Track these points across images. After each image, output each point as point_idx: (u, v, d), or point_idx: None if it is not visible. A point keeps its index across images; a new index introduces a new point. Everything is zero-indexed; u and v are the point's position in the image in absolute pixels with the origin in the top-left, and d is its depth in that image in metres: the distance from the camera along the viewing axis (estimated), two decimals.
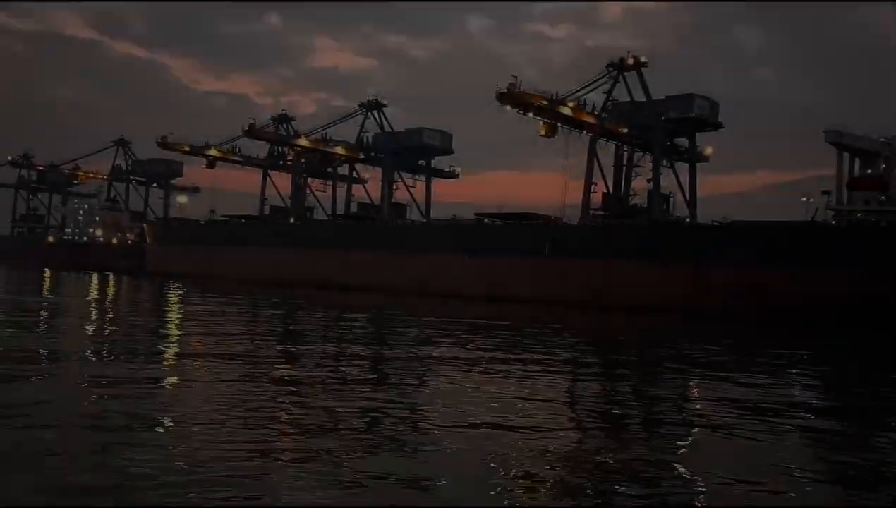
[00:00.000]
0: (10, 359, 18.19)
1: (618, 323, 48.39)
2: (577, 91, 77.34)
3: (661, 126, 78.06)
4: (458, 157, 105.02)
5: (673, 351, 31.63)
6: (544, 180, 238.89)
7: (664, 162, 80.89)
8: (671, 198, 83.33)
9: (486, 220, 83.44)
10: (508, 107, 73.89)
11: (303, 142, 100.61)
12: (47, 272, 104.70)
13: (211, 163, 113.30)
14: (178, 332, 28.93)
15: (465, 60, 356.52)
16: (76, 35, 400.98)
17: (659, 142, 78.60)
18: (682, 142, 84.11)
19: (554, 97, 74.54)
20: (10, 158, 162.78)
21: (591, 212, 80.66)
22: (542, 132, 76.68)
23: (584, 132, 79.48)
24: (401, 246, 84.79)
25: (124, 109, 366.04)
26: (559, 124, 77.21)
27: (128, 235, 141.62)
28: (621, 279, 66.36)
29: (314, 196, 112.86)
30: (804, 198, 75.41)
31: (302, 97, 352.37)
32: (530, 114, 75.51)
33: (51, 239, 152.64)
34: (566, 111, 75.04)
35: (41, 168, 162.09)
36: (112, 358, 19.60)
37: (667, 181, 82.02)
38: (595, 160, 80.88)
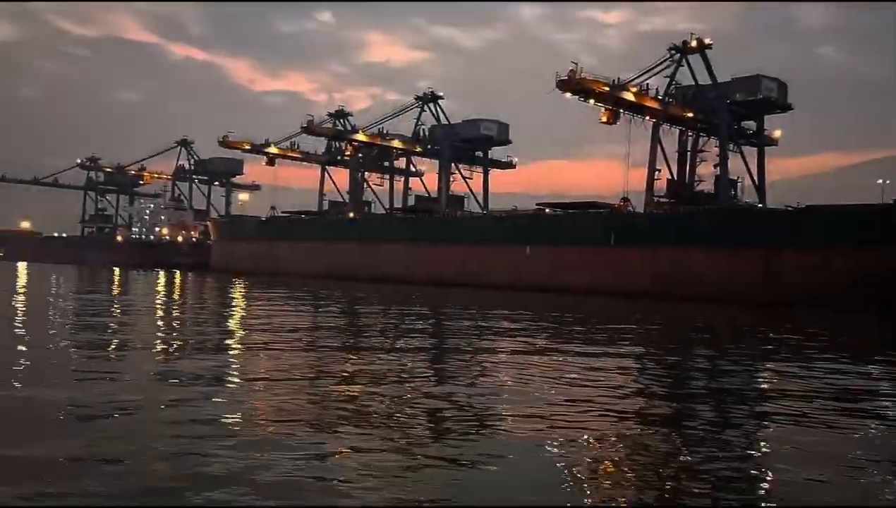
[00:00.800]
0: (82, 356, 17.89)
1: (690, 313, 46.26)
2: (639, 76, 75.08)
3: (727, 109, 75.32)
4: (515, 147, 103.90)
5: (753, 340, 29.79)
6: (602, 169, 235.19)
7: (731, 146, 78.10)
8: (739, 184, 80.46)
9: (547, 210, 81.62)
10: (568, 95, 72.08)
11: (360, 136, 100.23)
12: (116, 270, 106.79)
13: (271, 161, 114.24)
14: (244, 327, 28.43)
15: (519, 49, 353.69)
16: (137, 39, 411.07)
17: (725, 125, 75.88)
18: (750, 125, 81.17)
19: (615, 82, 72.39)
20: (78, 161, 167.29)
21: (655, 199, 78.31)
22: (604, 119, 74.66)
23: (647, 118, 77.15)
24: (460, 238, 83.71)
25: (185, 110, 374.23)
26: (621, 110, 75.11)
27: (192, 233, 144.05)
28: (690, 267, 63.97)
29: (372, 190, 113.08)
30: (880, 181, 71.78)
31: (355, 92, 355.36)
32: (591, 101, 73.62)
33: (119, 238, 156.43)
34: (628, 96, 72.83)
35: (109, 169, 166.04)
36: (180, 353, 19.30)
37: (733, 166, 79.33)
38: (658, 146, 78.43)
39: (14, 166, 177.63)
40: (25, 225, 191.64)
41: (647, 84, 75.46)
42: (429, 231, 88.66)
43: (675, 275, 64.08)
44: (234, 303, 43.30)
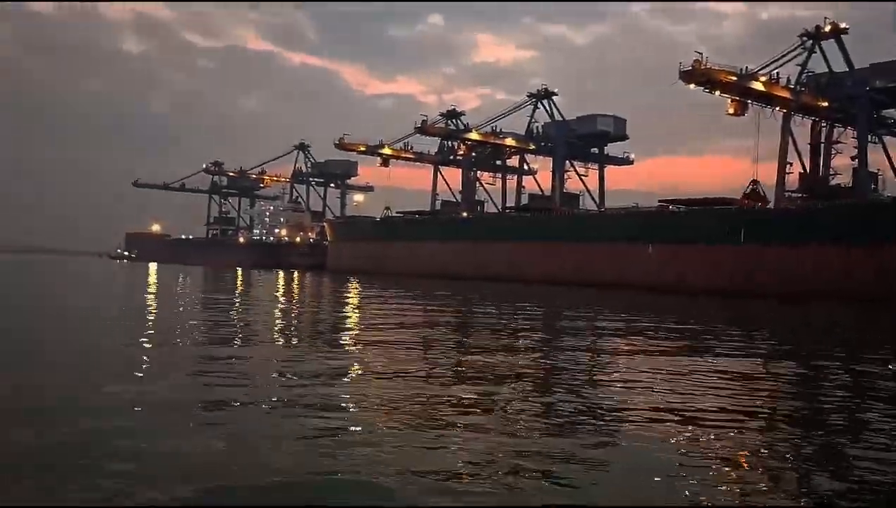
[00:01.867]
0: (205, 354, 18.20)
1: (842, 317, 43.14)
2: (767, 65, 71.54)
3: (867, 97, 70.54)
4: (630, 143, 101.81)
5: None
6: (722, 164, 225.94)
7: (870, 137, 73.27)
8: (880, 177, 75.43)
9: (670, 207, 78.88)
10: (692, 86, 69.50)
11: (473, 135, 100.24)
12: (239, 271, 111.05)
13: (385, 161, 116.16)
14: (360, 325, 28.65)
15: (630, 43, 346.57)
16: (256, 48, 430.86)
17: (864, 115, 71.13)
18: (891, 114, 76.01)
19: (743, 72, 69.04)
20: (204, 166, 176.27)
21: (787, 194, 74.49)
22: (731, 110, 71.70)
23: (777, 108, 73.31)
24: (576, 236, 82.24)
25: (303, 115, 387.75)
26: (749, 101, 71.75)
27: (309, 234, 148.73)
28: (831, 266, 60.14)
29: (484, 189, 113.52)
30: None
31: (464, 93, 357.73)
32: (717, 92, 70.74)
33: (241, 239, 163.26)
34: (757, 86, 69.40)
35: (232, 174, 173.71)
36: (300, 350, 19.51)
37: (873, 158, 74.61)
38: (790, 138, 74.46)
39: (146, 172, 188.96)
40: (156, 227, 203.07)
41: (777, 73, 71.73)
42: (543, 229, 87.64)
43: (813, 273, 60.49)
44: (350, 302, 43.88)
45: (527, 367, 17.27)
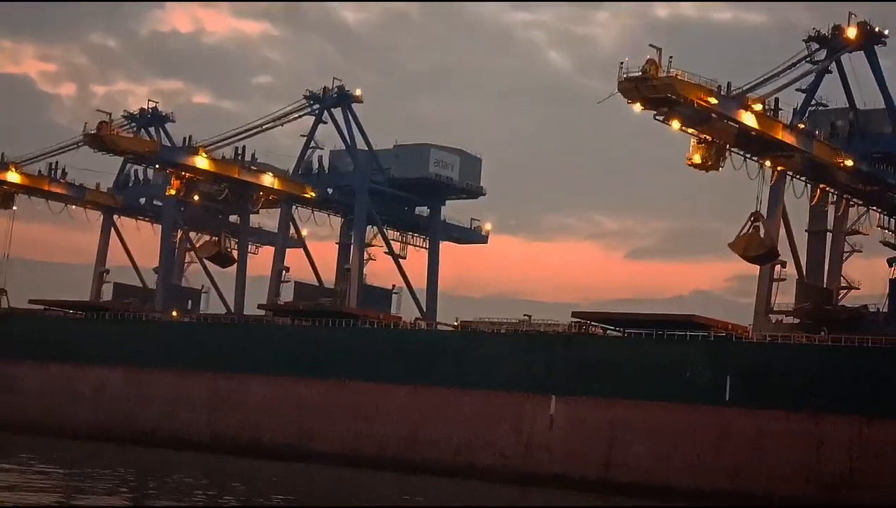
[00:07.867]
0: None
1: None
2: (760, 81, 73.38)
3: None
4: (488, 202, 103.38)
5: None
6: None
7: None
8: None
9: (591, 328, 78.86)
10: (638, 107, 70.05)
11: (201, 161, 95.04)
12: None
13: (6, 200, 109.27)
14: None
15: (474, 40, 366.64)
16: None
17: None
18: None
19: (725, 90, 70.10)
20: None
21: (774, 319, 76.70)
22: (697, 158, 72.84)
23: (767, 163, 75.27)
24: (405, 371, 79.07)
25: None
26: (727, 145, 73.25)
27: None
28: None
29: (203, 266, 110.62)
30: None
31: (133, 86, 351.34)
32: (674, 123, 71.29)
33: None
34: (748, 119, 70.66)
35: None
36: None
37: None
38: (781, 218, 77.28)
39: None
40: None
41: (776, 99, 74.08)
42: (339, 354, 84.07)
43: (866, 469, 62.03)
44: None
45: None
